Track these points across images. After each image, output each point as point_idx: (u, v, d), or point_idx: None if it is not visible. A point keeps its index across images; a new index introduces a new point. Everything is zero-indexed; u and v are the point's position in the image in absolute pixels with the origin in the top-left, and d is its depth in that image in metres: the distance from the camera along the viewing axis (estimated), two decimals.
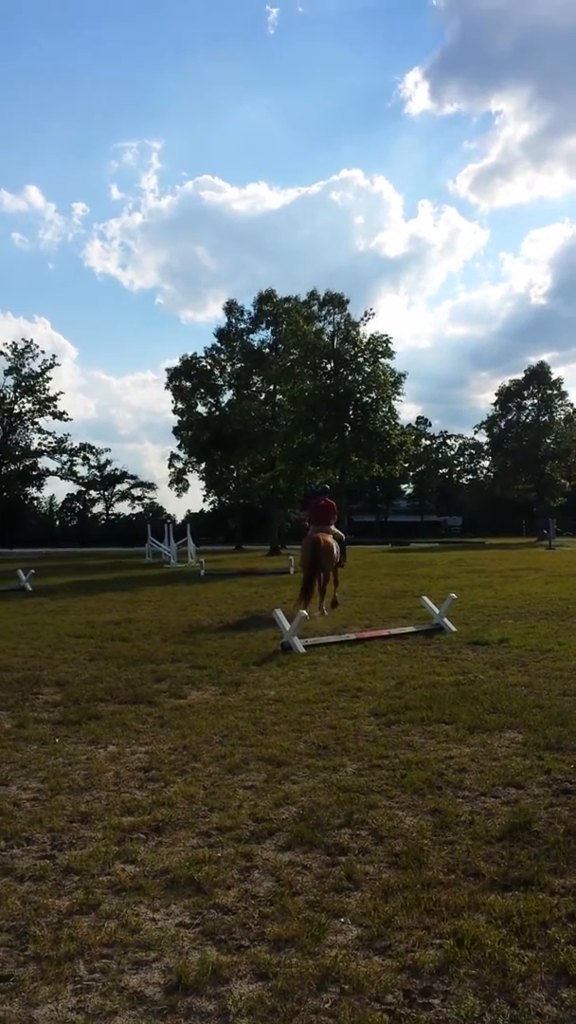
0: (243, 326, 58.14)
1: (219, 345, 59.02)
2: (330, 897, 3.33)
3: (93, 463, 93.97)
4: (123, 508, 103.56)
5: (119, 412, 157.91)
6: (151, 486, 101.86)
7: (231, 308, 58.28)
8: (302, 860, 3.71)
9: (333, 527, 14.28)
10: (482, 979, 2.72)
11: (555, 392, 72.15)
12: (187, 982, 2.73)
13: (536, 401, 72.42)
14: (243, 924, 3.13)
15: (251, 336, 58.15)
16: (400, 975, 2.76)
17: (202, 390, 60.18)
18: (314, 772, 4.98)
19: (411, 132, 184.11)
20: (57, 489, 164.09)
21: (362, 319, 41.99)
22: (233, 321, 58.26)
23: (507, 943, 2.92)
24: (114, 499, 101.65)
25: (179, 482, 64.35)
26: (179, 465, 63.62)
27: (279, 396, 51.81)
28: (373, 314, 41.37)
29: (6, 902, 3.32)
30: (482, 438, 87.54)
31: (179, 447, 62.52)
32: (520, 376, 73.94)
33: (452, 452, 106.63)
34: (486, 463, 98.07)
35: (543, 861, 3.60)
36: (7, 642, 10.72)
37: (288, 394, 44.86)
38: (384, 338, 39.77)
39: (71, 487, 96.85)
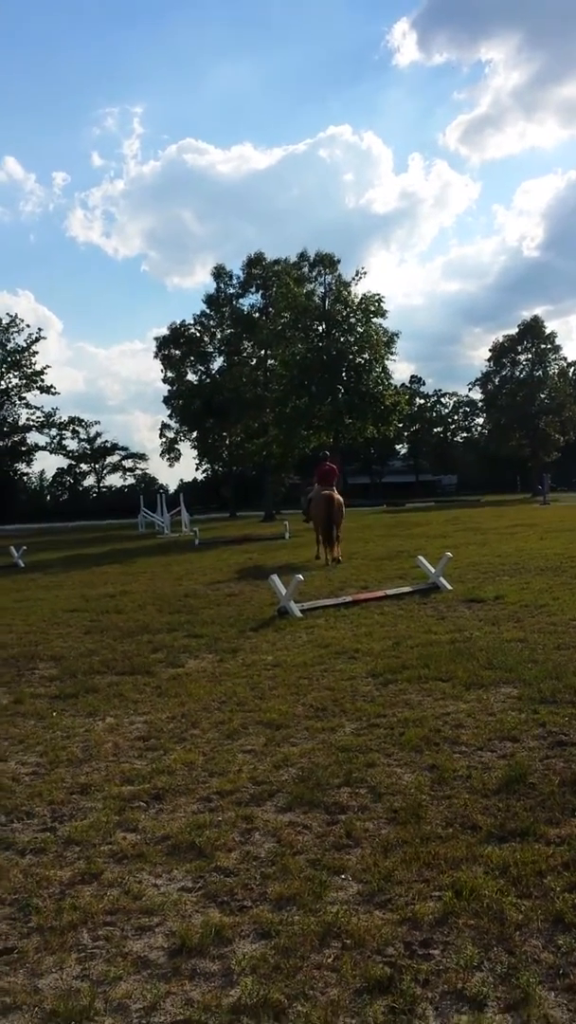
0: (232, 291, 57.61)
1: (208, 311, 58.53)
2: (330, 855, 3.36)
3: (83, 436, 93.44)
4: (115, 480, 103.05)
5: (107, 383, 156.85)
6: (142, 457, 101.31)
7: (219, 273, 57.72)
8: (302, 820, 3.75)
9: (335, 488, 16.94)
10: (480, 929, 2.75)
11: (549, 346, 71.69)
12: (191, 945, 2.76)
13: (530, 356, 71.96)
14: (245, 885, 3.16)
15: (241, 301, 57.67)
16: (400, 928, 2.79)
17: (192, 358, 59.78)
18: (313, 734, 5.02)
19: (399, 84, 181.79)
20: (47, 464, 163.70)
21: (353, 279, 41.65)
22: (222, 286, 57.72)
23: (504, 893, 2.96)
24: (105, 471, 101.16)
25: (171, 452, 64.12)
26: (170, 435, 63.37)
27: (270, 361, 51.41)
28: (365, 273, 41.01)
29: (8, 876, 3.35)
30: (476, 395, 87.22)
31: (170, 416, 62.25)
32: (514, 331, 73.43)
33: (446, 410, 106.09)
34: (480, 420, 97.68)
35: (539, 812, 3.63)
36: (1, 619, 10.75)
37: (280, 358, 44.50)
38: (376, 297, 39.46)
39: (61, 461, 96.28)
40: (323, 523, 16.27)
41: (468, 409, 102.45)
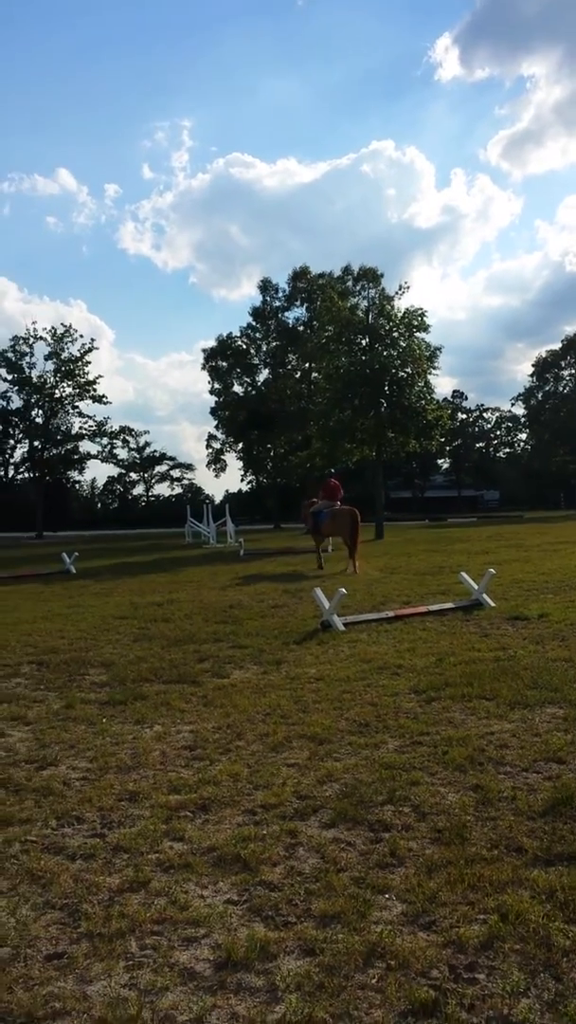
0: (277, 304, 58.21)
1: (254, 324, 59.16)
2: (375, 873, 3.37)
3: (132, 445, 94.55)
4: (163, 489, 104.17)
5: (156, 394, 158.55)
6: (189, 467, 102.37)
7: (265, 286, 58.37)
8: (346, 837, 3.76)
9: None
10: (527, 954, 2.74)
11: None
12: (236, 958, 2.78)
13: (574, 371, 71.32)
14: (289, 900, 3.18)
15: (286, 314, 58.26)
16: (445, 950, 2.79)
17: (238, 369, 60.38)
18: (356, 749, 5.03)
19: (442, 99, 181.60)
20: (98, 472, 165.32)
21: (396, 293, 41.49)
22: (268, 299, 58.37)
23: (551, 918, 2.94)
24: (154, 481, 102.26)
25: (217, 462, 64.77)
26: (216, 445, 64.03)
27: (314, 374, 51.64)
28: (408, 287, 40.61)
29: (59, 880, 3.41)
30: (519, 410, 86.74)
31: (216, 427, 62.95)
32: (557, 346, 72.87)
33: (489, 425, 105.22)
34: (523, 436, 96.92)
35: None
36: (54, 624, 10.91)
37: (323, 371, 44.58)
38: (419, 312, 39.25)
39: (111, 470, 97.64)
40: (348, 535, 17.87)
41: (511, 424, 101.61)
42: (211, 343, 61.67)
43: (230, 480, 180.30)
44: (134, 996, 2.61)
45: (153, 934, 2.98)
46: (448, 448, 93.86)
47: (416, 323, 38.48)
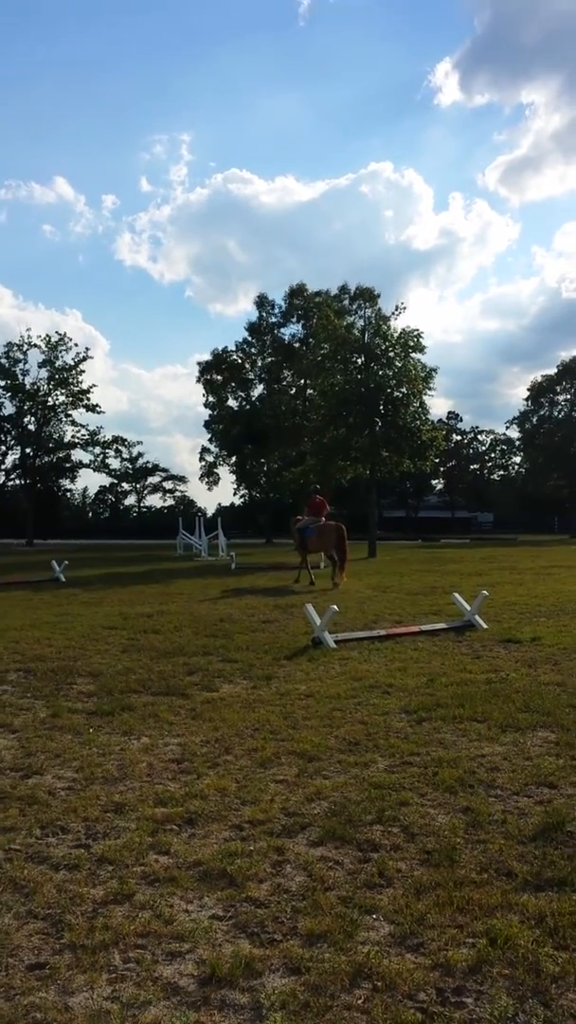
0: (274, 320, 58.41)
1: (250, 339, 59.30)
2: (362, 893, 3.33)
3: (125, 456, 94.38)
4: (155, 501, 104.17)
5: (150, 405, 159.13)
6: (182, 479, 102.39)
7: (262, 302, 58.61)
8: (334, 855, 3.72)
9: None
10: (515, 979, 2.71)
11: None
12: (220, 974, 2.74)
13: (569, 396, 71.64)
14: (276, 918, 3.14)
15: (282, 330, 58.46)
16: (433, 973, 2.75)
17: (233, 384, 60.48)
18: (345, 768, 4.99)
19: (441, 124, 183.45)
20: (90, 481, 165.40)
21: (393, 313, 41.71)
22: (264, 315, 58.56)
23: (541, 943, 2.91)
24: (146, 492, 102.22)
25: (210, 475, 64.73)
26: (210, 459, 64.02)
27: (309, 391, 51.82)
28: (404, 308, 40.86)
29: (42, 890, 3.36)
30: (514, 434, 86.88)
31: (210, 440, 62.95)
32: (552, 371, 73.23)
33: (483, 448, 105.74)
34: (518, 459, 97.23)
35: None
36: (41, 632, 10.83)
37: (318, 388, 44.70)
38: (415, 332, 39.38)
39: (103, 479, 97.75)
40: (333, 549, 18.63)
41: (505, 447, 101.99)
42: (206, 356, 61.85)
43: (223, 493, 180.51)
44: (116, 1009, 2.56)
45: (137, 947, 2.94)
46: (442, 469, 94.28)
47: (412, 344, 38.59)
